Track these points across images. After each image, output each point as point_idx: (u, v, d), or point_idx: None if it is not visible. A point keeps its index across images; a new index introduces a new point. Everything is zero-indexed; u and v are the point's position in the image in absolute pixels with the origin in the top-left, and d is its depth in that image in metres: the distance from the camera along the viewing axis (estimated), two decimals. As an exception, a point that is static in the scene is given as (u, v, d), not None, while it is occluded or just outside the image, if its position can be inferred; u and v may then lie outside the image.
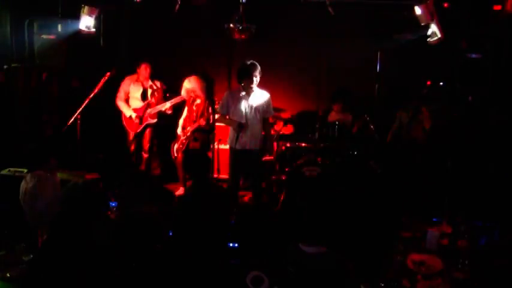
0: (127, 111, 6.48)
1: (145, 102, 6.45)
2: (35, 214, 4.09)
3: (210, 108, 5.79)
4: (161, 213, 4.05)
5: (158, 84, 6.56)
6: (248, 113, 5.50)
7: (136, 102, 6.52)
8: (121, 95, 6.52)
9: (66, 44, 6.57)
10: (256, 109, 5.51)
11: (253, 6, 5.94)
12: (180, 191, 6.34)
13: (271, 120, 6.00)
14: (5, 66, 6.40)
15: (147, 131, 6.61)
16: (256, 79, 5.41)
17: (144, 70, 6.42)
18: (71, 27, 6.35)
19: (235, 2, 5.92)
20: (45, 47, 6.50)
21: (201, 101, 5.99)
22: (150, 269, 3.34)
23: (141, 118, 6.45)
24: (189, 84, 5.98)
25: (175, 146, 6.25)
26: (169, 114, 6.39)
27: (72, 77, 6.85)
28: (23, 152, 4.45)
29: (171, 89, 6.89)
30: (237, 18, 6.03)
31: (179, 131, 6.22)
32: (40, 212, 4.07)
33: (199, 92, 5.95)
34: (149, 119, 6.49)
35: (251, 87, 5.41)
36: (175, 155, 6.32)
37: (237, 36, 6.37)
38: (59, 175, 4.41)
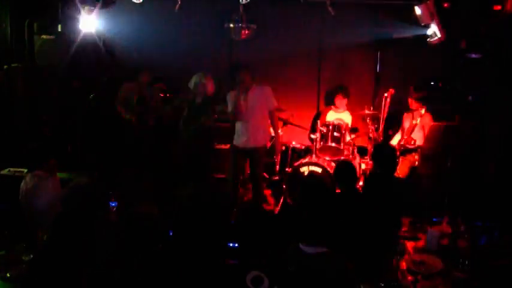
0: (126, 114, 6.49)
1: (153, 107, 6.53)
2: (35, 214, 4.09)
3: (210, 108, 5.81)
4: (161, 213, 4.05)
5: (158, 91, 6.61)
6: (249, 110, 5.50)
7: (132, 107, 6.52)
8: (119, 99, 6.47)
9: (66, 44, 6.57)
10: (256, 105, 5.50)
11: (253, 6, 5.94)
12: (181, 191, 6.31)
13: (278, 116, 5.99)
14: (5, 66, 6.40)
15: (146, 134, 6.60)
16: (240, 79, 5.45)
17: (144, 78, 6.44)
18: (70, 27, 6.35)
19: (235, 2, 5.92)
20: (45, 47, 6.50)
21: (200, 101, 5.97)
22: (150, 269, 3.34)
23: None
24: (206, 80, 5.94)
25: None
26: None
27: (72, 77, 6.85)
28: (23, 152, 4.45)
29: (171, 89, 6.90)
30: (237, 18, 6.03)
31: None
32: (40, 212, 4.07)
33: (208, 87, 5.92)
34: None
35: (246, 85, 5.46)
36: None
37: (237, 36, 6.37)
38: (59, 175, 4.41)
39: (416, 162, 5.90)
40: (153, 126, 6.59)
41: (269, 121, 5.65)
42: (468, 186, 5.72)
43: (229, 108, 5.60)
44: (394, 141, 6.21)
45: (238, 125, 5.63)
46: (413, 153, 5.96)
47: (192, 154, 5.78)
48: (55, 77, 6.70)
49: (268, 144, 6.18)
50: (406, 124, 6.09)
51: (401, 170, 5.87)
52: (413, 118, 5.98)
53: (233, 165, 5.61)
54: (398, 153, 5.87)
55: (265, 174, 6.43)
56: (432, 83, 6.43)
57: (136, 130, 6.53)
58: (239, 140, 5.58)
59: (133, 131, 6.54)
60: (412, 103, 6.02)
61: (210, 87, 5.90)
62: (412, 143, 5.82)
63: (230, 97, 5.59)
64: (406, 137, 5.91)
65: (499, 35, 5.96)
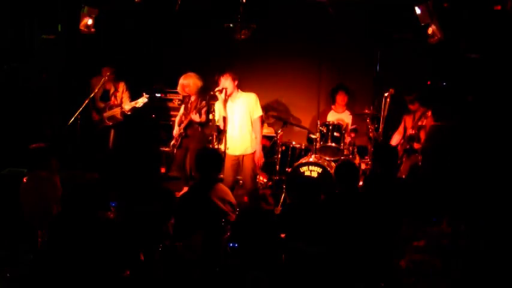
0: (92, 111, 6.52)
1: (106, 103, 6.50)
2: (35, 214, 4.09)
3: (202, 104, 5.83)
4: (162, 212, 4.05)
5: (121, 85, 6.56)
6: (236, 118, 5.41)
7: (98, 103, 6.54)
8: (94, 96, 6.40)
9: (66, 44, 6.57)
10: (242, 114, 5.41)
11: (253, 6, 5.94)
12: (183, 191, 6.31)
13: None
14: (5, 66, 6.40)
15: (111, 131, 6.58)
16: (224, 83, 5.32)
17: (104, 74, 6.33)
18: (70, 27, 6.36)
19: (235, 2, 5.92)
20: (45, 47, 6.50)
21: (195, 98, 6.03)
22: (150, 268, 3.35)
23: (100, 119, 6.52)
24: (185, 80, 6.02)
25: (172, 142, 6.29)
26: (128, 114, 6.40)
27: (72, 77, 6.86)
28: (23, 152, 4.45)
29: (171, 88, 6.91)
30: (237, 18, 6.02)
31: (176, 129, 6.25)
32: (40, 212, 4.07)
33: (193, 88, 5.98)
34: (107, 120, 6.51)
35: (230, 92, 5.33)
36: (171, 150, 6.34)
37: (237, 36, 6.36)
38: (59, 175, 4.41)
39: (419, 162, 5.89)
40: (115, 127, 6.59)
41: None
42: (468, 186, 5.71)
43: (216, 117, 5.46)
44: (393, 141, 6.21)
45: (227, 133, 5.47)
46: (417, 154, 5.96)
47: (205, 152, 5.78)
48: (55, 77, 6.71)
49: (268, 144, 6.19)
50: (408, 125, 6.09)
51: (403, 169, 5.87)
52: (414, 119, 5.98)
53: (227, 171, 5.49)
54: (401, 153, 5.88)
55: (262, 176, 6.44)
56: (429, 83, 6.43)
57: (99, 129, 6.54)
58: (228, 147, 5.46)
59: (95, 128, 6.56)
60: (410, 106, 6.05)
61: (192, 83, 5.93)
62: (417, 141, 5.83)
63: (217, 107, 5.48)
64: (410, 135, 5.91)
65: (499, 35, 5.96)
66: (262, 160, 5.65)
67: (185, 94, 6.08)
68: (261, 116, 5.53)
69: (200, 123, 6.00)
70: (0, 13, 6.56)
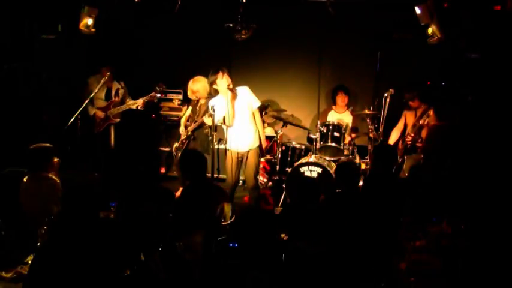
0: (91, 110, 6.53)
1: (110, 101, 6.54)
2: (35, 214, 4.09)
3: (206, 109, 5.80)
4: (161, 213, 4.06)
5: (122, 84, 6.61)
6: (237, 115, 5.39)
7: (100, 101, 6.56)
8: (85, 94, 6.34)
9: (66, 44, 6.58)
10: (242, 108, 5.39)
11: (253, 6, 5.94)
12: (179, 191, 6.31)
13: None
14: (5, 66, 6.40)
15: (111, 129, 6.61)
16: (227, 80, 5.30)
17: (104, 74, 6.27)
18: (71, 27, 6.36)
19: (235, 2, 5.92)
20: (45, 47, 6.51)
21: (205, 101, 5.94)
22: (150, 269, 3.35)
23: (106, 117, 6.55)
24: (194, 85, 5.94)
25: (176, 145, 6.26)
26: (141, 109, 6.42)
27: (72, 77, 6.86)
28: (23, 152, 4.45)
29: (171, 88, 6.92)
30: (237, 18, 6.02)
31: (181, 129, 6.22)
32: (40, 212, 4.07)
33: (203, 93, 5.90)
34: (112, 118, 6.53)
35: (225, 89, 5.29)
36: (175, 153, 6.32)
37: (237, 36, 6.36)
38: (59, 175, 4.41)
39: (421, 161, 5.88)
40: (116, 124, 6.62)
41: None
42: (468, 186, 5.71)
43: (217, 117, 5.34)
44: (392, 137, 6.18)
45: (229, 130, 5.49)
46: (418, 153, 5.95)
47: (187, 154, 5.76)
48: (55, 77, 6.71)
49: (268, 144, 6.19)
50: (409, 122, 6.07)
51: (405, 168, 5.87)
52: (416, 115, 5.98)
53: (230, 169, 5.53)
54: (402, 150, 5.87)
55: (262, 176, 6.44)
56: (429, 82, 6.43)
57: (101, 126, 6.57)
58: (232, 144, 5.48)
59: (96, 127, 6.58)
60: (411, 103, 6.04)
61: (202, 88, 5.87)
62: (420, 141, 5.81)
63: (215, 105, 5.34)
64: (412, 135, 5.89)
65: (499, 35, 5.96)
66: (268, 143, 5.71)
67: (195, 99, 6.01)
68: (260, 106, 5.53)
69: (211, 126, 5.96)
70: (0, 13, 6.55)
